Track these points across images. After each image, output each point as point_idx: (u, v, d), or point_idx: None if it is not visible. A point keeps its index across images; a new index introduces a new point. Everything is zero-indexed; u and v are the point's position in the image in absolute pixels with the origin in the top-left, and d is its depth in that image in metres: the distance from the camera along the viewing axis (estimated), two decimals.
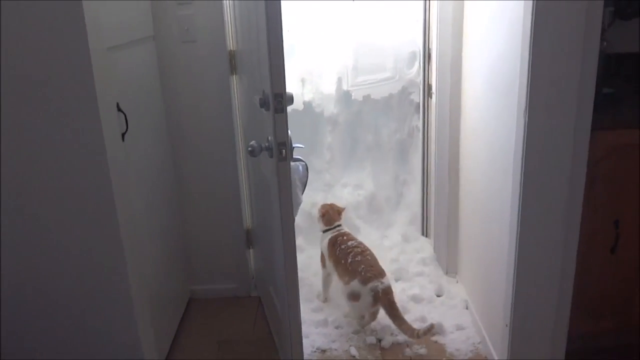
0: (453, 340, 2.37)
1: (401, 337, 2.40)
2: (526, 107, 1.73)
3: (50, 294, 1.91)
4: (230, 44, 2.49)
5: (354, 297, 2.40)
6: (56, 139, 1.72)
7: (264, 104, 1.80)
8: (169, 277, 2.47)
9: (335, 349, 2.37)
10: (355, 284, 2.38)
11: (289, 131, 1.78)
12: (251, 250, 2.83)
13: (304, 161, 1.99)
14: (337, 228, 2.63)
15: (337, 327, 2.48)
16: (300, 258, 2.89)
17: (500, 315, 2.06)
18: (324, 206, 2.70)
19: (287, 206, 1.84)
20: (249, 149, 1.82)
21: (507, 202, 1.91)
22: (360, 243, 2.54)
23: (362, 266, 2.39)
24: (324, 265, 2.63)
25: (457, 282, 2.77)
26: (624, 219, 2.00)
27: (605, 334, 2.17)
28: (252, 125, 2.26)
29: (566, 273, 1.92)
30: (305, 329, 2.46)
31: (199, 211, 2.70)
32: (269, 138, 1.80)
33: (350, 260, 2.42)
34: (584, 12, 1.64)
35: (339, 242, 2.54)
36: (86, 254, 1.85)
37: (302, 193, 1.96)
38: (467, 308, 2.57)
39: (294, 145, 1.85)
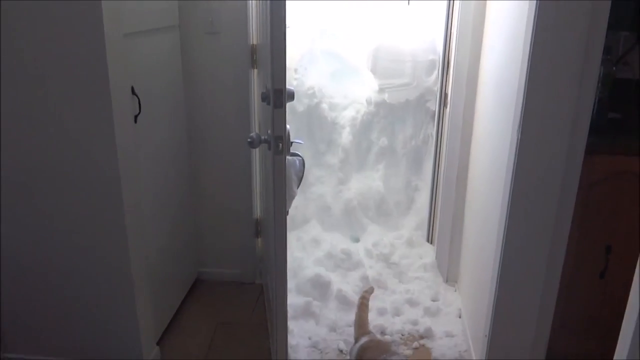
0: (440, 346, 2.40)
1: (390, 338, 2.45)
2: (520, 123, 1.75)
3: (51, 267, 2.06)
4: (253, 38, 2.57)
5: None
6: (68, 117, 1.86)
7: (265, 98, 1.88)
8: (176, 257, 2.59)
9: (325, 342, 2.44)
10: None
11: (287, 126, 1.86)
12: (259, 239, 2.92)
13: (301, 156, 2.06)
14: None
15: (329, 323, 2.54)
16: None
17: (483, 325, 2.08)
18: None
19: (281, 198, 1.91)
20: (249, 140, 1.90)
21: (497, 217, 1.94)
22: None
23: None
24: None
25: (455, 290, 2.79)
26: (616, 245, 1.99)
27: (589, 355, 2.16)
28: (263, 121, 2.34)
29: (548, 292, 1.92)
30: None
31: (212, 198, 2.80)
32: (269, 131, 1.88)
33: None
34: (586, 34, 1.64)
35: None
36: (89, 230, 1.99)
37: (298, 187, 2.03)
38: (460, 317, 2.59)
39: (293, 140, 1.93)
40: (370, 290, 2.25)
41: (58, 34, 1.76)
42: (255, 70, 2.63)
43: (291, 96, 1.84)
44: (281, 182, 1.89)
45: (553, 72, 1.68)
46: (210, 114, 2.66)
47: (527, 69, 1.69)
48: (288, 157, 1.88)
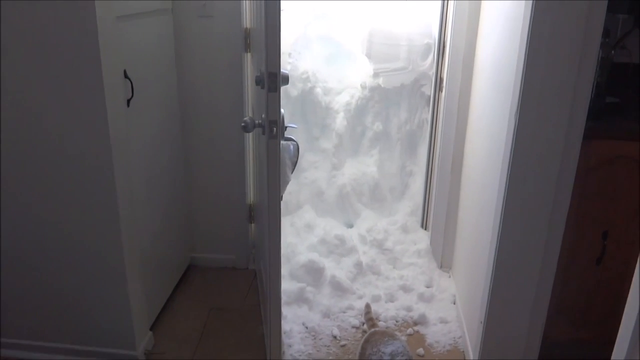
0: (434, 333, 2.40)
1: (384, 324, 2.44)
2: (518, 108, 1.73)
3: (44, 254, 2.04)
4: (246, 22, 2.53)
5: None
6: (59, 101, 1.82)
7: (259, 82, 1.84)
8: (168, 243, 2.57)
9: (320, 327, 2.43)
10: None
11: (282, 110, 1.83)
12: (252, 225, 2.90)
13: (295, 141, 2.03)
14: None
15: (323, 309, 2.53)
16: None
17: (478, 312, 2.08)
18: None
19: (275, 183, 1.89)
20: (242, 124, 1.87)
21: (494, 202, 1.92)
22: None
23: None
24: None
25: (450, 276, 2.78)
26: (613, 231, 1.98)
27: (585, 343, 2.17)
28: (257, 106, 2.31)
29: (545, 278, 1.92)
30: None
31: (205, 183, 2.78)
32: (262, 115, 1.85)
33: None
34: (584, 18, 1.62)
35: None
36: (81, 216, 1.96)
37: (292, 172, 2.01)
38: (454, 303, 2.59)
39: (287, 125, 1.90)
40: (369, 309, 2.27)
41: (49, 17, 1.71)
42: (249, 54, 2.60)
43: (285, 80, 1.81)
44: (275, 167, 1.86)
45: (551, 56, 1.65)
46: (203, 98, 2.62)
47: (525, 53, 1.67)
48: (282, 142, 1.85)
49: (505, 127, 1.85)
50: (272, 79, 1.75)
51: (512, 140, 1.77)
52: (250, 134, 2.71)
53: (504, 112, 1.88)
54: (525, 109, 1.71)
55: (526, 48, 1.66)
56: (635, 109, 2.13)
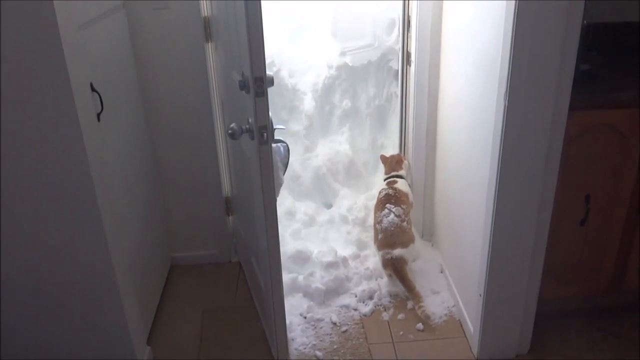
0: (429, 305, 2.44)
1: (378, 301, 2.48)
2: (507, 91, 1.74)
3: (32, 275, 1.91)
4: (205, 10, 2.41)
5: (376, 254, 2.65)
6: (31, 122, 1.68)
7: (243, 86, 1.77)
8: (150, 249, 2.48)
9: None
10: (374, 246, 2.64)
11: (269, 113, 1.77)
12: (230, 217, 2.85)
13: (285, 142, 1.98)
14: (392, 178, 2.81)
15: (318, 297, 2.53)
16: None
17: (474, 281, 2.13)
18: (383, 156, 2.92)
19: (270, 188, 1.85)
20: (229, 131, 1.80)
21: (486, 177, 1.95)
22: (398, 200, 2.66)
23: (382, 233, 2.57)
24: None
25: (432, 245, 2.84)
26: (595, 194, 2.06)
27: (573, 298, 2.29)
28: (232, 102, 2.22)
29: (539, 245, 1.99)
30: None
31: (178, 180, 2.69)
32: (250, 120, 1.79)
33: (378, 220, 2.63)
34: None
35: (382, 196, 2.71)
36: (68, 235, 1.85)
37: (284, 174, 1.97)
38: (441, 272, 2.65)
39: (274, 126, 1.84)
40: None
41: (11, 35, 1.56)
42: (210, 44, 2.48)
43: (271, 81, 1.75)
44: (269, 172, 1.82)
45: (538, 35, 1.66)
46: (168, 94, 2.51)
47: (512, 37, 1.66)
48: (272, 145, 1.80)
49: (491, 102, 1.86)
50: (259, 84, 1.69)
51: (503, 121, 1.78)
52: (219, 126, 2.63)
53: (488, 91, 1.89)
54: (514, 92, 1.73)
55: (512, 31, 1.66)
56: (607, 74, 2.17)
